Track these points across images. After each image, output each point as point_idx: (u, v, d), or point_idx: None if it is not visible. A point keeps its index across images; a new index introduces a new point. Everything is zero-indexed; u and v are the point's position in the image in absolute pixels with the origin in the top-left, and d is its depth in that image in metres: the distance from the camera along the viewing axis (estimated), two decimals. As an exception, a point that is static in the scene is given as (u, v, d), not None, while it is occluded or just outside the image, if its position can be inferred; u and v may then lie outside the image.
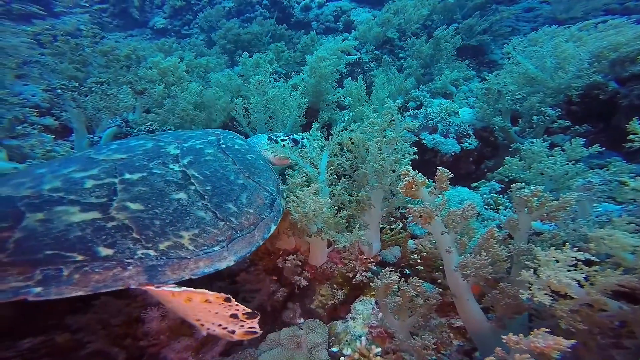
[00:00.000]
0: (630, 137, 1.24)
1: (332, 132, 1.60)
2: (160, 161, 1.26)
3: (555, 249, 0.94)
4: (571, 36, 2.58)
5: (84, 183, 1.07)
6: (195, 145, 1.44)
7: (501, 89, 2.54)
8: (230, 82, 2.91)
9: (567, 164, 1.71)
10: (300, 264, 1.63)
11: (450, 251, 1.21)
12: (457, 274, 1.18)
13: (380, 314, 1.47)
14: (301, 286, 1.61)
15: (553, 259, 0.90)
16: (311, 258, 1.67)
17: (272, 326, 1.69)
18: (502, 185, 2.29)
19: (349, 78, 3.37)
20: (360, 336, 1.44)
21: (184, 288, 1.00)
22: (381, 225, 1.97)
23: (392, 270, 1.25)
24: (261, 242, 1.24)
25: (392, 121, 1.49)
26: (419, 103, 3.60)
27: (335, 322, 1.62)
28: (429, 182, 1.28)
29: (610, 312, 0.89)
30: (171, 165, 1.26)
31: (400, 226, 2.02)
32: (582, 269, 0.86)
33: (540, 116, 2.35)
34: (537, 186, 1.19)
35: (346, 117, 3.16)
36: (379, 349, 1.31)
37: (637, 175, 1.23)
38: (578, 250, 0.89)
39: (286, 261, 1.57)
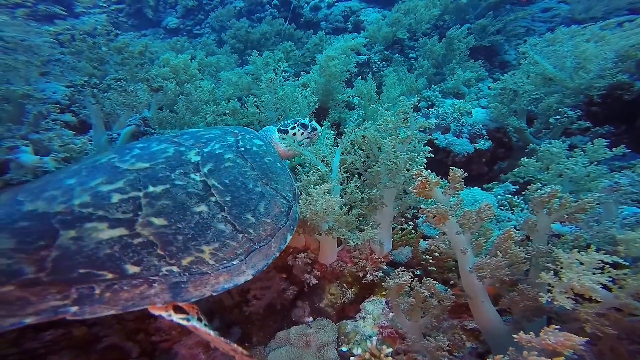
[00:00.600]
0: None
1: (342, 130, 1.59)
2: (182, 171, 1.25)
3: (579, 252, 0.90)
4: (592, 35, 2.49)
5: (111, 197, 1.07)
6: (215, 150, 1.42)
7: (517, 89, 2.48)
8: (241, 81, 2.93)
9: (589, 165, 1.65)
10: (310, 262, 1.62)
11: (465, 252, 1.18)
12: (473, 275, 1.16)
13: (391, 314, 1.45)
14: (311, 284, 1.60)
15: (576, 261, 0.87)
16: (321, 256, 1.67)
17: (282, 324, 1.68)
18: (517, 187, 2.23)
19: (359, 78, 3.35)
20: (371, 336, 1.42)
21: (201, 327, 1.01)
22: (392, 225, 1.95)
23: (404, 270, 1.23)
24: (277, 254, 1.22)
25: (406, 119, 1.46)
26: (430, 103, 3.55)
27: (344, 321, 1.60)
28: (443, 182, 1.25)
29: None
30: (192, 175, 1.25)
31: (411, 226, 1.99)
32: (609, 272, 0.82)
33: (558, 117, 2.28)
34: (554, 187, 1.15)
35: (355, 117, 3.14)
36: (390, 349, 1.29)
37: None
38: (605, 253, 0.86)
39: (296, 259, 1.57)
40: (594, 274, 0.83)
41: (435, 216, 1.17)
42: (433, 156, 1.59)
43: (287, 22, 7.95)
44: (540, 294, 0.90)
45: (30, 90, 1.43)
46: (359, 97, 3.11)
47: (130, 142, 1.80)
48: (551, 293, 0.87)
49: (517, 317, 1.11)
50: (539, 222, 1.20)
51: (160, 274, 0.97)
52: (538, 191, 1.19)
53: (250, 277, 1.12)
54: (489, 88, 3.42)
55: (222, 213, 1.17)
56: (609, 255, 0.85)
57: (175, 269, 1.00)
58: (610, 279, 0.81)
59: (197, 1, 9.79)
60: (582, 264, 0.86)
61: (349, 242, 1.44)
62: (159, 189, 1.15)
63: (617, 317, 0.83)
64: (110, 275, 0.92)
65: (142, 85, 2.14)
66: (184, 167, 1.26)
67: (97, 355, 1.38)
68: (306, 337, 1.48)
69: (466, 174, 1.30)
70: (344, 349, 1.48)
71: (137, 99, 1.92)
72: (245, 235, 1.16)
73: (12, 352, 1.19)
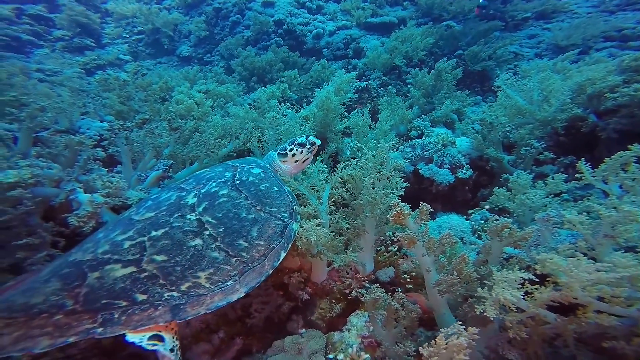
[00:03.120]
0: (577, 175, 1.45)
1: (339, 159, 1.88)
2: (179, 214, 1.46)
3: (514, 271, 1.16)
4: (555, 68, 2.80)
5: (123, 244, 1.35)
6: (211, 188, 1.61)
7: (493, 121, 2.77)
8: (247, 115, 3.31)
9: (547, 197, 1.89)
10: (303, 280, 1.88)
11: (429, 270, 1.44)
12: (435, 290, 1.41)
13: (372, 326, 1.68)
14: (303, 300, 1.85)
15: (505, 278, 1.12)
16: (313, 275, 1.92)
17: (278, 335, 1.92)
18: (492, 214, 2.47)
19: (355, 111, 3.70)
20: (353, 344, 1.65)
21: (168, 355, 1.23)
22: (378, 248, 2.21)
23: (378, 287, 1.49)
24: (270, 271, 1.37)
25: (383, 160, 1.76)
26: (420, 132, 3.87)
27: (332, 332, 1.83)
28: (413, 212, 1.53)
29: (551, 324, 1.09)
30: (188, 216, 1.46)
31: (396, 249, 2.24)
32: (530, 287, 1.07)
33: (527, 148, 2.56)
34: (506, 219, 1.42)
35: (351, 145, 3.47)
36: (368, 355, 1.52)
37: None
38: (526, 271, 1.11)
39: (291, 278, 1.83)
40: (514, 289, 1.08)
41: (406, 241, 1.45)
42: (416, 186, 1.83)
43: (287, 47, 8.44)
44: (475, 306, 1.14)
45: (84, 138, 1.78)
46: (354, 127, 3.44)
47: (155, 184, 2.18)
48: (484, 305, 1.12)
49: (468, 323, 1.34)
50: (493, 247, 1.46)
51: (163, 299, 1.19)
52: (495, 221, 1.46)
53: (242, 294, 1.29)
54: (462, 120, 3.74)
55: (216, 243, 1.37)
56: (527, 272, 1.10)
57: (175, 294, 1.21)
58: (523, 293, 1.05)
59: (208, 31, 10.60)
60: (506, 280, 1.12)
61: (334, 263, 1.70)
62: (159, 232, 1.38)
63: (532, 324, 1.06)
64: (124, 303, 1.17)
65: (164, 124, 2.51)
66: (181, 210, 1.49)
67: (121, 360, 1.64)
68: (298, 346, 1.71)
69: (437, 205, 1.57)
70: (331, 356, 1.70)
71: (160, 139, 2.28)
72: (239, 258, 1.35)
73: (60, 356, 1.46)
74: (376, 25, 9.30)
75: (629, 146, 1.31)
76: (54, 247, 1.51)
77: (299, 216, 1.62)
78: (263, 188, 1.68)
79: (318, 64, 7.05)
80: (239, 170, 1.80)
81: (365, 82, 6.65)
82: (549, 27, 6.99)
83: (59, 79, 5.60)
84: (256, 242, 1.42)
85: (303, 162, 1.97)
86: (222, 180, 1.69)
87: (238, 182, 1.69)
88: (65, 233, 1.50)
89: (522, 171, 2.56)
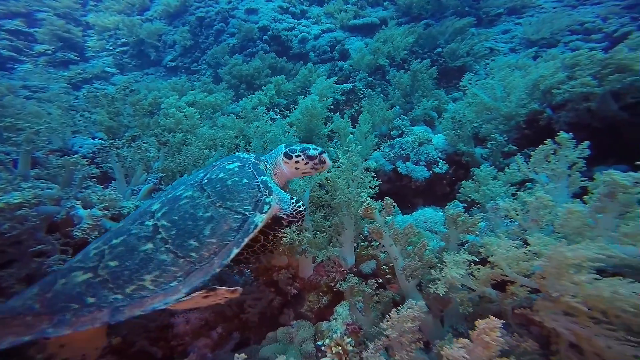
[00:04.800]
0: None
1: None
2: (140, 222, 1.50)
3: (462, 254, 1.35)
4: (516, 65, 3.03)
5: (90, 253, 1.46)
6: (177, 192, 1.62)
7: (461, 119, 2.99)
8: (234, 125, 3.47)
9: (505, 186, 2.10)
10: (291, 276, 2.06)
11: (396, 258, 1.63)
12: (402, 276, 1.60)
13: (353, 313, 1.87)
14: (292, 294, 2.03)
15: (453, 260, 1.31)
16: (300, 272, 2.10)
17: (272, 328, 2.09)
18: (465, 205, 2.68)
19: (337, 114, 3.90)
20: (338, 331, 1.83)
21: None
22: (363, 243, 2.40)
23: (352, 276, 1.67)
24: (218, 270, 1.39)
25: (355, 163, 1.95)
26: (400, 131, 4.08)
27: (321, 322, 2.01)
28: (380, 205, 1.71)
29: (495, 302, 1.28)
30: (147, 222, 1.50)
31: (378, 244, 2.43)
32: (469, 267, 1.26)
33: (493, 142, 2.77)
34: (459, 208, 1.61)
35: (332, 150, 3.65)
36: (351, 339, 1.70)
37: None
38: (473, 254, 1.30)
39: (280, 274, 2.01)
40: (459, 269, 1.27)
41: (374, 232, 1.63)
42: (395, 183, 1.98)
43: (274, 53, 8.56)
44: (429, 285, 1.33)
45: (78, 158, 1.92)
46: (336, 132, 3.63)
47: (148, 196, 2.30)
48: (437, 284, 1.31)
49: (433, 307, 1.54)
50: (451, 235, 1.66)
51: (108, 301, 1.28)
52: (450, 211, 1.66)
53: (183, 295, 1.31)
54: (440, 117, 3.96)
55: (166, 245, 1.39)
56: (471, 255, 1.29)
57: (120, 296, 1.29)
58: (464, 272, 1.24)
59: (193, 40, 10.69)
60: (456, 262, 1.31)
61: (317, 258, 1.88)
62: (119, 240, 1.45)
63: (478, 300, 1.25)
64: (76, 306, 1.28)
65: (152, 139, 2.66)
66: (143, 217, 1.53)
67: (130, 357, 1.79)
68: (290, 336, 1.89)
69: (423, 197, 1.75)
70: (320, 343, 1.88)
71: (149, 154, 2.43)
72: (187, 259, 1.36)
73: (78, 353, 1.61)
74: (359, 27, 9.49)
75: (545, 141, 1.52)
76: (63, 254, 1.67)
77: (266, 207, 1.56)
78: (230, 183, 1.62)
79: (305, 69, 7.20)
80: (214, 169, 1.76)
81: (352, 84, 6.86)
82: (520, 22, 7.28)
83: (46, 96, 5.66)
84: (207, 240, 1.41)
85: (302, 173, 1.86)
86: (192, 182, 1.69)
87: (205, 181, 1.66)
88: (71, 243, 1.65)
89: (490, 164, 2.78)
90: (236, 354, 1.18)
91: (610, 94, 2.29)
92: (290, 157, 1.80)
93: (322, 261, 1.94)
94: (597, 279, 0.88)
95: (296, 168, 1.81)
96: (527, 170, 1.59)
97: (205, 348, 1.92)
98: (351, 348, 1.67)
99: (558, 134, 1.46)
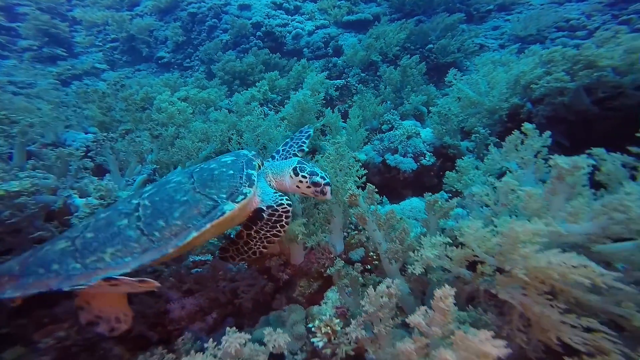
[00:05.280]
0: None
1: (317, 158, 2.11)
2: (129, 200, 1.56)
3: (438, 237, 1.45)
4: (500, 61, 3.14)
5: (80, 224, 1.53)
6: (170, 177, 1.69)
7: (447, 113, 3.10)
8: (227, 119, 3.53)
9: (484, 176, 2.22)
10: (283, 263, 2.16)
11: (380, 243, 1.73)
12: (385, 260, 1.70)
13: (341, 296, 1.97)
14: (284, 280, 2.13)
15: (430, 243, 1.42)
16: (292, 259, 2.20)
17: (264, 313, 2.19)
18: (451, 195, 2.80)
19: (329, 109, 3.98)
20: (327, 313, 1.93)
21: None
22: (353, 232, 2.50)
23: (339, 260, 1.77)
24: (171, 250, 1.42)
25: (342, 153, 2.04)
26: (390, 125, 4.18)
27: (312, 306, 2.12)
28: (364, 193, 1.81)
29: (469, 283, 1.39)
30: (133, 201, 1.54)
31: (369, 236, 2.53)
32: (444, 250, 1.36)
33: (476, 134, 2.89)
34: (436, 195, 1.72)
35: (329, 142, 3.74)
36: (339, 320, 1.81)
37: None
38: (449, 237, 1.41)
39: (272, 261, 2.10)
40: (436, 250, 1.37)
41: (358, 218, 1.73)
42: (383, 174, 2.03)
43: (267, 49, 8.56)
44: (407, 266, 1.43)
45: (72, 149, 1.97)
46: (328, 126, 3.71)
47: (142, 187, 2.31)
48: (414, 265, 1.41)
49: (414, 288, 1.65)
50: (430, 220, 1.77)
51: (69, 269, 1.34)
52: (428, 198, 1.76)
53: (129, 270, 1.36)
54: (428, 112, 4.08)
55: (137, 223, 1.44)
56: (447, 238, 1.40)
57: (78, 266, 1.35)
58: (438, 252, 1.34)
59: (185, 36, 10.60)
60: (433, 244, 1.41)
61: (307, 244, 1.98)
62: (105, 214, 1.52)
63: (458, 283, 1.36)
64: (42, 271, 1.35)
65: (145, 133, 2.71)
66: (133, 197, 1.58)
67: (130, 341, 1.87)
68: (282, 318, 1.99)
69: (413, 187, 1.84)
70: (310, 325, 1.98)
71: (143, 146, 2.48)
72: (149, 237, 1.41)
73: (79, 338, 1.69)
74: (353, 23, 9.52)
75: (513, 131, 1.63)
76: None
77: (240, 197, 1.59)
78: (217, 172, 1.66)
79: (299, 65, 7.22)
80: (211, 160, 1.85)
81: (345, 80, 6.93)
82: (509, 18, 7.42)
83: (35, 92, 5.59)
84: (174, 222, 1.46)
85: (301, 192, 1.83)
86: (187, 169, 1.76)
87: (197, 169, 1.71)
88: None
89: (475, 156, 2.90)
90: (227, 327, 1.27)
91: (583, 89, 2.42)
92: (297, 174, 1.78)
93: (312, 248, 2.03)
94: (539, 251, 0.99)
95: (297, 186, 1.80)
96: (499, 159, 1.70)
97: (201, 332, 2.00)
98: (339, 329, 1.78)
99: (523, 124, 1.57)
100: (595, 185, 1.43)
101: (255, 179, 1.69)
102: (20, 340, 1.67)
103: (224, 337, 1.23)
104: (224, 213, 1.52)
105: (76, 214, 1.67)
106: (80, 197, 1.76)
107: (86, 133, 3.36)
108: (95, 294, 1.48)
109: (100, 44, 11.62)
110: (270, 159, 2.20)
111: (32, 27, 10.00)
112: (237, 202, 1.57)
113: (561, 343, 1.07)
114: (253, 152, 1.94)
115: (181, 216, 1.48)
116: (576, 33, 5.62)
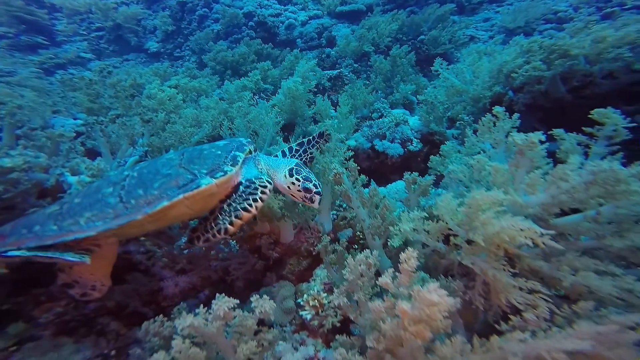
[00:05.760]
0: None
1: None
2: (121, 172, 1.62)
3: (416, 211, 1.55)
4: (485, 51, 3.24)
5: (72, 193, 1.61)
6: (165, 155, 1.76)
7: (433, 100, 3.19)
8: (218, 106, 3.55)
9: (466, 158, 2.33)
10: (273, 242, 2.24)
11: (364, 220, 1.82)
12: (369, 235, 1.80)
13: (327, 271, 2.07)
14: (274, 258, 2.22)
15: (407, 217, 1.51)
16: (282, 237, 2.28)
17: (255, 290, 2.28)
18: (435, 178, 2.91)
19: (320, 96, 4.03)
20: (315, 288, 2.04)
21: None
22: (341, 214, 2.59)
23: (326, 236, 1.87)
24: (139, 217, 1.44)
25: (329, 136, 2.12)
26: (380, 114, 4.26)
27: (301, 283, 2.22)
28: (347, 172, 1.89)
29: (445, 257, 1.50)
30: (125, 173, 1.59)
31: (354, 215, 2.63)
32: (422, 223, 1.46)
33: (460, 121, 3.00)
34: (416, 174, 1.82)
35: (316, 130, 3.80)
36: (326, 294, 1.91)
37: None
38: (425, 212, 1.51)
39: (262, 239, 2.18)
40: (414, 224, 1.47)
41: (343, 195, 1.82)
42: (371, 158, 2.10)
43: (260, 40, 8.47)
44: (388, 239, 1.53)
45: (63, 131, 2.00)
46: (318, 113, 3.77)
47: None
48: (393, 238, 1.51)
49: (396, 261, 1.75)
50: (411, 198, 1.87)
51: (45, 230, 1.41)
52: (407, 175, 1.87)
53: (94, 233, 1.40)
54: (417, 101, 4.17)
55: (120, 191, 1.49)
56: (423, 213, 1.49)
57: (55, 227, 1.41)
58: (414, 225, 1.44)
59: (175, 26, 10.37)
60: (411, 219, 1.51)
61: (292, 221, 2.06)
62: (96, 184, 1.59)
63: (435, 257, 1.46)
64: (24, 231, 1.42)
65: (136, 118, 2.72)
66: (126, 170, 1.64)
67: (125, 317, 1.95)
68: (272, 294, 2.08)
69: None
70: (300, 300, 2.09)
71: (134, 130, 2.50)
72: (126, 204, 1.45)
73: (77, 314, 1.76)
74: (346, 14, 9.46)
75: (490, 112, 1.73)
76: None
77: (220, 173, 1.58)
78: (206, 152, 1.70)
79: (291, 55, 7.18)
80: (209, 144, 1.89)
81: (338, 71, 6.94)
82: (500, 10, 7.51)
83: (16, 80, 5.44)
84: (151, 191, 1.49)
85: (290, 194, 1.81)
86: (183, 150, 1.82)
87: (191, 149, 1.75)
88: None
89: (459, 142, 3.00)
90: (217, 294, 1.35)
91: (559, 78, 2.53)
92: (291, 175, 1.76)
93: (302, 228, 2.12)
94: (496, 218, 1.10)
95: (288, 187, 1.77)
96: (475, 140, 1.80)
97: (195, 306, 2.08)
98: (326, 302, 1.89)
99: (493, 108, 1.66)
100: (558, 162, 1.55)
101: (240, 160, 1.69)
102: (20, 317, 1.73)
103: (213, 301, 1.31)
104: (199, 186, 1.51)
105: (69, 191, 1.72)
106: (72, 176, 1.81)
107: (75, 119, 3.34)
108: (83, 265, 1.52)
109: (85, 32, 11.24)
110: (279, 154, 2.22)
111: (5, 13, 9.49)
112: (216, 178, 1.55)
113: (510, 305, 1.18)
114: (249, 140, 1.94)
115: (159, 187, 1.50)
116: (563, 25, 5.74)
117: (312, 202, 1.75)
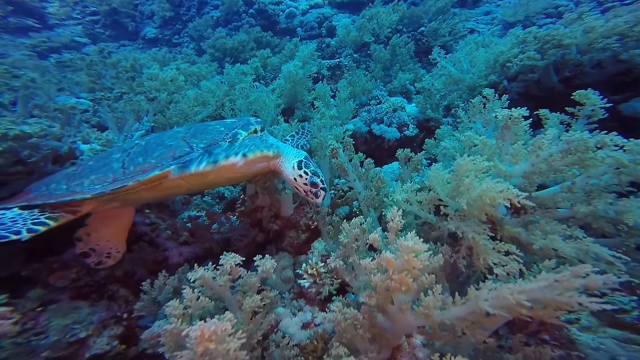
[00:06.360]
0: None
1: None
2: (134, 140, 1.79)
3: (409, 183, 1.67)
4: (483, 43, 3.34)
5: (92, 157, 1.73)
6: (175, 128, 1.92)
7: (430, 88, 3.29)
8: (219, 88, 3.61)
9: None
10: (273, 215, 2.36)
11: (359, 192, 1.94)
12: (364, 206, 1.92)
13: (324, 241, 2.20)
14: (274, 231, 2.33)
15: (401, 189, 1.63)
16: (282, 211, 2.40)
17: (256, 262, 2.41)
18: (429, 161, 3.04)
19: (320, 82, 4.10)
20: (313, 260, 2.17)
21: None
22: (338, 192, 2.71)
23: (325, 207, 1.98)
24: (130, 183, 1.49)
25: (323, 114, 2.22)
26: (379, 101, 4.35)
27: (300, 255, 2.35)
28: (341, 147, 2.00)
29: (436, 229, 1.62)
30: (136, 141, 1.71)
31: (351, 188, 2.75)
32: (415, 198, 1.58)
33: (456, 108, 3.11)
34: (408, 150, 1.94)
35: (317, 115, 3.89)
36: (323, 264, 2.04)
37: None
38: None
39: (263, 212, 2.30)
40: (406, 195, 1.59)
41: (339, 168, 1.93)
42: (368, 140, 2.20)
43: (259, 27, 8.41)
44: (383, 210, 1.65)
45: (75, 103, 2.07)
46: (318, 99, 3.85)
47: None
48: (386, 209, 1.63)
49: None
50: (404, 173, 1.99)
51: (57, 188, 1.55)
52: (401, 153, 1.98)
53: (88, 196, 1.49)
54: (415, 89, 4.26)
55: (126, 158, 1.58)
56: (416, 185, 1.61)
57: (64, 187, 1.54)
58: (406, 195, 1.55)
59: (173, 12, 10.23)
60: (404, 190, 1.63)
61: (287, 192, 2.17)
62: (110, 150, 1.75)
63: (426, 229, 1.59)
64: (43, 188, 1.57)
65: (141, 96, 2.78)
66: (139, 139, 1.76)
67: (132, 285, 2.06)
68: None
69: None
70: (298, 270, 2.22)
71: (140, 106, 2.57)
72: (125, 170, 1.52)
73: (90, 280, 1.87)
74: (347, 4, 9.40)
75: (482, 93, 1.84)
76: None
77: (216, 148, 1.58)
78: (211, 128, 1.75)
79: (291, 43, 7.17)
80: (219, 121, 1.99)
81: (337, 60, 6.97)
82: (501, 3, 7.55)
83: (9, 61, 5.38)
84: (149, 160, 1.54)
85: (295, 186, 1.79)
86: (192, 125, 1.98)
87: (200, 125, 1.83)
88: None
89: (454, 128, 3.12)
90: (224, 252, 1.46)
91: (553, 68, 2.64)
92: (300, 167, 1.73)
93: (301, 203, 2.23)
94: (478, 181, 1.21)
95: (295, 178, 1.74)
96: (467, 120, 1.91)
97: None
98: (324, 270, 2.02)
99: (483, 90, 1.77)
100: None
101: (241, 138, 1.69)
102: (37, 283, 1.84)
103: (221, 256, 1.42)
104: (191, 160, 1.51)
105: (81, 157, 1.80)
106: (83, 144, 1.89)
107: (78, 98, 3.38)
108: (101, 225, 1.63)
109: (79, 16, 10.99)
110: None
111: (-13, -6, 9.22)
112: (213, 153, 1.53)
113: (488, 267, 1.29)
114: (258, 120, 1.93)
115: (158, 156, 1.54)
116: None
117: (317, 197, 1.73)
